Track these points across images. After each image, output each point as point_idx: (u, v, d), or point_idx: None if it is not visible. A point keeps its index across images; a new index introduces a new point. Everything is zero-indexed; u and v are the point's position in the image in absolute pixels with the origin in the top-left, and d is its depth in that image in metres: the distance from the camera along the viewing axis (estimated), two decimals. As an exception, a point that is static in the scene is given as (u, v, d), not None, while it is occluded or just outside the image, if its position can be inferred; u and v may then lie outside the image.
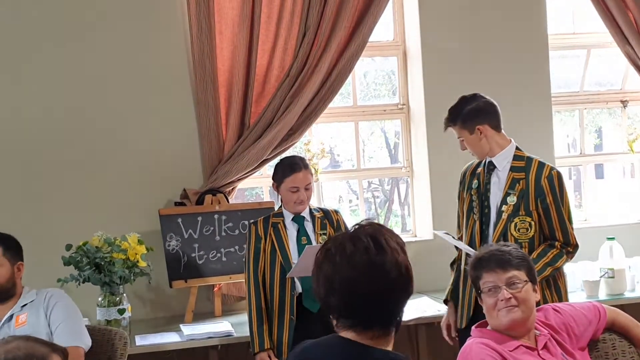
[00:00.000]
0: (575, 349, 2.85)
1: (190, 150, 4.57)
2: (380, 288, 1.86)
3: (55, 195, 4.42)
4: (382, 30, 5.01)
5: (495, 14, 4.91)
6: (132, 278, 3.94)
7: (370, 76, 6.14)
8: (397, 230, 5.74)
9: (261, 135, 4.52)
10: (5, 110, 4.40)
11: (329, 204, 5.12)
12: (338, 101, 4.93)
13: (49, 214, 4.41)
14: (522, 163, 3.52)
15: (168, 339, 3.95)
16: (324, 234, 3.69)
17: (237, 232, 4.44)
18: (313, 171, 3.87)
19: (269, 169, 4.80)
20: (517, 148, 3.57)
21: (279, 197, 3.77)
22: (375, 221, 1.98)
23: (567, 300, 3.51)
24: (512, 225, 3.47)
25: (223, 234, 4.43)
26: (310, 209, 3.74)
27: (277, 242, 3.66)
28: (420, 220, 5.03)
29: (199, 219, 4.39)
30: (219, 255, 4.41)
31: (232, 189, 4.59)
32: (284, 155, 4.48)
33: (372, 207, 6.98)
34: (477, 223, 3.57)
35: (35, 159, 4.41)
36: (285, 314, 3.61)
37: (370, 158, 6.67)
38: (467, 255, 3.53)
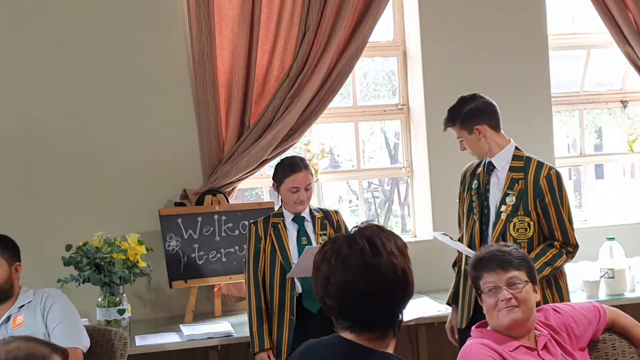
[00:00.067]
0: (575, 349, 2.85)
1: (190, 151, 4.57)
2: (376, 290, 1.86)
3: (55, 195, 4.42)
4: (382, 30, 5.01)
5: (495, 14, 4.91)
6: (132, 278, 3.94)
7: (370, 76, 6.14)
8: (397, 231, 5.77)
9: (261, 135, 4.52)
10: (6, 111, 4.40)
11: (329, 205, 5.12)
12: (338, 101, 4.93)
13: (49, 214, 4.41)
14: (521, 163, 3.52)
15: (168, 339, 3.95)
16: (324, 234, 3.69)
17: (237, 232, 4.44)
18: (313, 171, 3.87)
19: (269, 169, 4.80)
20: (516, 148, 3.56)
21: (279, 197, 3.77)
22: (375, 223, 1.98)
23: (568, 300, 3.50)
24: (511, 225, 3.47)
25: (223, 234, 4.43)
26: (310, 210, 3.74)
27: (277, 243, 3.66)
28: (420, 221, 5.03)
29: (199, 219, 4.39)
30: (218, 255, 4.41)
31: (232, 189, 4.59)
32: (284, 155, 4.48)
33: (372, 207, 6.98)
34: (477, 223, 3.58)
35: (35, 159, 4.41)
36: (285, 314, 3.61)
37: (370, 158, 6.67)
38: (467, 255, 3.54)
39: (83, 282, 3.88)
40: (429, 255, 4.43)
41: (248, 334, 3.69)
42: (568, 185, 6.38)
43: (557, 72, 5.23)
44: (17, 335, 2.01)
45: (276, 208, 3.99)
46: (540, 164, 3.50)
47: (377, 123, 5.90)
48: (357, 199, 5.68)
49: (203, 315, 4.40)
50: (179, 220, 4.35)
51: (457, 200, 3.76)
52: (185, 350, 3.94)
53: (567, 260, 3.49)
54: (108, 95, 4.48)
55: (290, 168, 3.64)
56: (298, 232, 3.69)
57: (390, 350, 1.91)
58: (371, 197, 7.11)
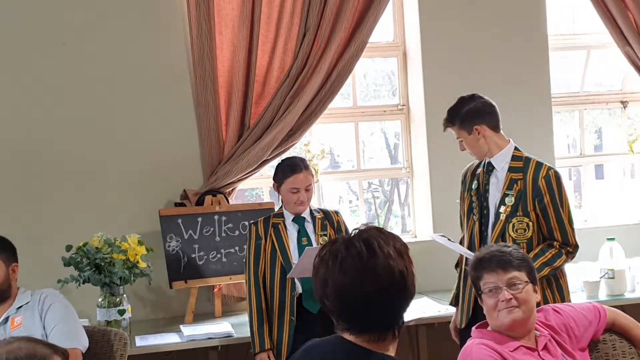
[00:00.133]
0: (576, 349, 2.85)
1: (190, 151, 4.57)
2: (372, 293, 1.86)
3: (55, 195, 4.43)
4: (382, 31, 5.01)
5: (495, 15, 4.91)
6: (132, 279, 3.94)
7: (370, 77, 6.15)
8: (397, 231, 5.78)
9: (261, 135, 4.52)
10: (5, 111, 4.40)
11: (329, 205, 5.12)
12: (338, 102, 4.93)
13: (49, 214, 4.41)
14: (520, 163, 3.52)
15: (168, 339, 3.95)
16: (325, 234, 3.69)
17: (237, 232, 4.44)
18: (313, 172, 3.87)
19: (269, 169, 4.80)
20: (515, 148, 3.56)
21: (280, 197, 3.77)
22: (375, 225, 1.98)
23: (569, 300, 3.50)
24: (510, 226, 3.47)
25: (223, 234, 4.43)
26: (310, 210, 3.74)
27: (277, 243, 3.66)
28: (420, 221, 5.03)
29: (199, 219, 4.39)
30: (219, 255, 4.41)
31: (232, 189, 4.59)
32: (284, 156, 4.48)
33: (372, 207, 6.99)
34: (477, 224, 3.58)
35: (35, 159, 4.41)
36: (286, 315, 3.61)
37: (370, 159, 6.68)
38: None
39: (83, 283, 3.88)
40: (429, 256, 4.43)
41: (248, 335, 3.69)
42: (568, 185, 6.40)
43: (557, 72, 5.24)
44: (18, 336, 2.01)
45: (276, 208, 3.99)
46: (539, 165, 3.49)
47: (377, 123, 5.90)
48: (357, 199, 5.68)
49: (203, 315, 4.40)
50: (179, 221, 4.35)
51: (458, 201, 3.76)
52: (185, 350, 3.94)
53: (566, 261, 3.49)
54: (108, 95, 4.49)
55: (291, 169, 3.65)
56: (298, 232, 3.69)
57: (391, 352, 1.91)
58: (371, 197, 7.11)
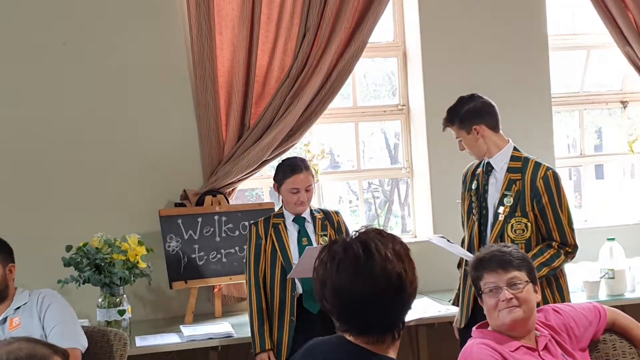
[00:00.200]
0: (576, 349, 2.85)
1: (191, 151, 4.57)
2: (368, 295, 1.86)
3: (55, 196, 4.43)
4: (382, 31, 5.01)
5: (495, 15, 4.91)
6: (132, 279, 3.94)
7: (370, 77, 6.15)
8: (397, 231, 5.78)
9: (261, 136, 4.52)
10: (6, 111, 4.40)
11: (329, 205, 5.12)
12: (338, 102, 4.93)
13: (49, 215, 4.41)
14: (518, 164, 3.51)
15: (168, 340, 3.95)
16: (325, 235, 3.70)
17: (237, 233, 4.44)
18: (314, 172, 3.87)
19: (269, 169, 4.80)
20: (514, 149, 3.56)
21: (280, 197, 3.77)
22: (376, 227, 1.97)
23: (568, 300, 3.50)
24: (509, 226, 3.47)
25: (223, 234, 4.43)
26: (310, 210, 3.74)
27: (277, 243, 3.66)
28: (420, 221, 5.03)
29: (199, 219, 4.39)
30: (219, 256, 4.41)
31: (232, 189, 4.59)
32: (284, 156, 4.49)
33: (372, 207, 6.99)
34: (476, 224, 3.58)
35: (35, 160, 4.41)
36: (286, 315, 3.61)
37: (370, 159, 6.68)
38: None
39: (83, 283, 3.88)
40: (429, 256, 4.42)
41: (248, 335, 3.69)
42: (568, 185, 6.40)
43: (557, 72, 5.24)
44: (18, 336, 2.01)
45: (276, 208, 3.99)
46: (537, 165, 3.49)
47: (377, 123, 5.90)
48: (357, 199, 5.68)
49: (203, 315, 4.40)
50: (179, 221, 4.35)
51: (459, 201, 3.77)
52: (185, 350, 3.94)
53: (565, 261, 3.48)
54: (108, 95, 4.48)
55: (291, 169, 3.65)
56: (299, 232, 3.69)
57: (391, 354, 1.91)
58: (371, 197, 7.11)
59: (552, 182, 3.45)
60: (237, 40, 4.52)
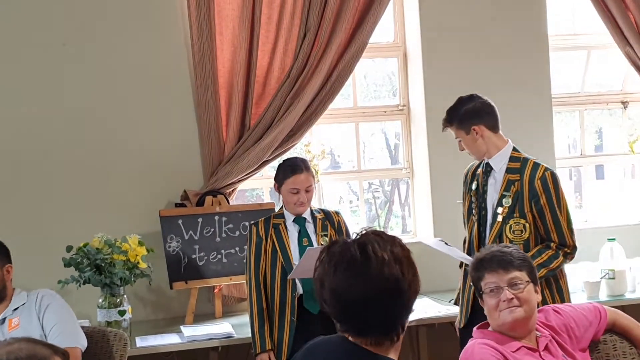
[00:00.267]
0: (576, 350, 2.85)
1: (191, 152, 4.57)
2: (364, 297, 1.85)
3: (55, 196, 4.42)
4: (383, 31, 5.01)
5: (496, 15, 4.91)
6: (132, 279, 3.94)
7: (371, 77, 6.14)
8: (397, 231, 5.78)
9: (262, 136, 4.52)
10: (6, 111, 4.40)
11: (330, 205, 5.12)
12: (338, 102, 4.92)
13: (49, 215, 4.41)
14: (517, 164, 3.51)
15: (168, 340, 3.95)
16: (325, 235, 3.70)
17: (237, 233, 4.44)
18: (314, 173, 3.87)
19: (269, 170, 4.80)
20: (514, 149, 3.56)
21: (280, 197, 3.77)
22: (376, 229, 1.97)
23: (569, 300, 3.50)
24: (507, 227, 3.47)
25: (223, 235, 4.43)
26: (311, 210, 3.74)
27: (278, 243, 3.66)
28: (420, 221, 5.03)
29: (200, 220, 4.39)
30: (219, 256, 4.41)
31: (233, 190, 4.59)
32: (284, 156, 4.49)
33: (373, 208, 6.98)
34: (476, 225, 3.58)
35: (35, 160, 4.41)
36: (286, 315, 3.61)
37: (371, 159, 6.67)
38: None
39: (84, 283, 3.88)
40: (429, 256, 4.41)
41: (248, 335, 3.69)
42: (568, 185, 6.40)
43: (558, 73, 5.23)
44: (18, 337, 2.01)
45: (277, 209, 3.99)
46: (536, 165, 3.48)
47: (378, 124, 5.90)
48: (358, 199, 5.67)
49: (203, 316, 4.40)
50: (180, 221, 4.35)
51: (459, 201, 3.77)
52: (185, 351, 3.94)
53: (564, 262, 3.47)
54: (108, 96, 4.48)
55: (292, 169, 3.65)
56: (299, 233, 3.69)
57: (392, 355, 1.91)
58: (372, 197, 7.10)
59: (551, 183, 3.45)
60: (237, 41, 4.52)
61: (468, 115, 3.53)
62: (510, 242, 3.40)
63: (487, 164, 3.57)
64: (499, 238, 3.46)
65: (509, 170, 3.51)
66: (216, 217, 4.42)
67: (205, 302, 4.52)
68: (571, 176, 6.75)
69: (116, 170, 4.49)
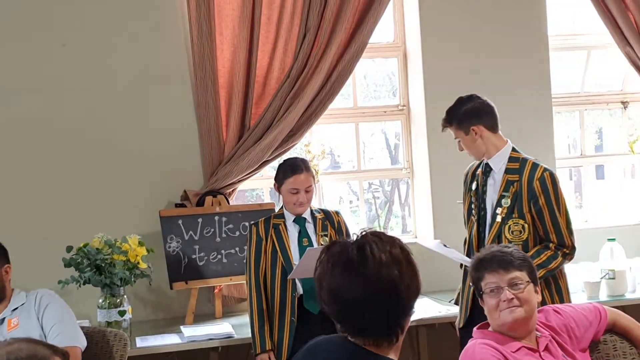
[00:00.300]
0: (576, 350, 2.85)
1: (191, 152, 4.57)
2: (361, 299, 1.85)
3: (55, 196, 4.42)
4: (383, 31, 5.01)
5: (496, 15, 4.91)
6: (132, 279, 3.94)
7: (371, 77, 6.14)
8: (397, 231, 5.78)
9: (261, 136, 4.52)
10: (6, 111, 4.39)
11: (330, 205, 5.12)
12: (338, 102, 4.93)
13: (49, 215, 4.41)
14: (516, 165, 3.51)
15: (168, 340, 3.95)
16: (325, 235, 3.70)
17: (237, 233, 4.44)
18: (314, 173, 3.87)
19: (269, 170, 4.80)
20: (513, 149, 3.55)
21: (280, 197, 3.77)
22: (376, 230, 1.97)
23: (569, 300, 3.50)
24: (506, 227, 3.47)
25: (223, 235, 4.43)
26: (311, 210, 3.74)
27: (278, 244, 3.66)
28: (420, 221, 5.03)
29: (200, 220, 4.39)
30: (219, 256, 4.41)
31: (233, 190, 4.59)
32: (284, 156, 4.49)
33: (373, 208, 6.98)
34: (475, 225, 3.58)
35: (35, 160, 4.41)
36: (286, 316, 3.61)
37: (371, 159, 6.68)
38: (467, 256, 3.54)
39: (84, 284, 3.88)
40: (429, 256, 4.42)
41: (248, 335, 3.69)
42: (568, 185, 6.40)
43: (558, 73, 5.23)
44: (18, 337, 2.01)
45: (277, 209, 3.99)
46: (534, 166, 3.48)
47: (378, 124, 5.90)
48: (358, 199, 5.67)
49: (203, 316, 4.39)
50: (180, 222, 4.35)
51: (460, 201, 3.77)
52: (185, 351, 3.94)
53: (563, 263, 3.47)
54: (108, 96, 4.48)
55: (292, 169, 3.65)
56: (299, 233, 3.69)
57: (392, 355, 1.91)
58: (372, 197, 7.10)
59: (549, 184, 3.44)
60: (237, 41, 4.52)
61: (467, 115, 3.53)
62: (509, 242, 3.39)
63: (487, 164, 3.57)
64: (498, 238, 3.46)
65: (508, 171, 3.51)
66: (216, 217, 4.42)
67: (205, 303, 4.52)
68: (571, 176, 6.76)
69: (116, 170, 4.49)
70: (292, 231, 3.70)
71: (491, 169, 3.55)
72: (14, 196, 4.38)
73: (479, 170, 3.62)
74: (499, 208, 3.48)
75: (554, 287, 3.50)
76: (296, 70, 4.54)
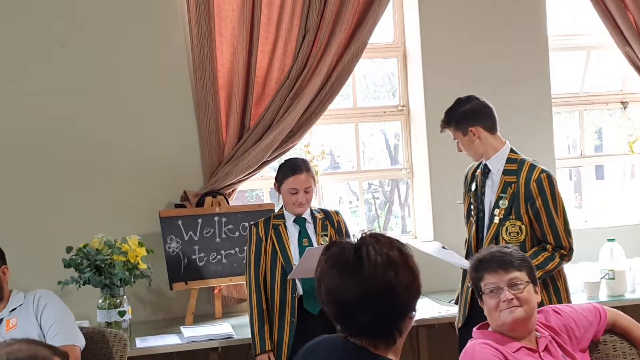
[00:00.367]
0: (576, 350, 2.85)
1: (191, 152, 4.57)
2: (357, 300, 1.86)
3: (55, 197, 4.42)
4: (382, 32, 5.01)
5: (495, 16, 4.91)
6: (132, 280, 3.94)
7: (370, 78, 6.15)
8: (397, 232, 5.78)
9: (261, 137, 4.52)
10: (6, 112, 4.39)
11: (329, 205, 5.12)
12: (338, 103, 4.92)
13: (49, 215, 4.41)
14: (514, 166, 3.51)
15: (168, 341, 3.95)
16: (325, 235, 3.70)
17: (237, 234, 4.44)
18: (314, 173, 3.87)
19: (269, 170, 4.80)
20: (511, 150, 3.55)
21: (280, 197, 3.77)
22: (375, 231, 1.97)
23: (568, 301, 3.50)
24: (504, 229, 3.47)
25: (223, 235, 4.43)
26: (311, 210, 3.74)
27: (278, 244, 3.66)
28: (420, 222, 5.03)
29: (199, 220, 4.39)
30: (219, 257, 4.41)
31: (232, 190, 4.59)
32: (284, 157, 4.49)
33: (372, 208, 6.98)
34: (474, 226, 3.58)
35: (35, 160, 4.41)
36: (286, 316, 3.61)
37: (371, 159, 6.68)
38: (466, 257, 3.54)
39: (83, 284, 3.88)
40: (429, 256, 4.43)
41: (248, 336, 3.69)
42: (568, 186, 6.40)
43: (557, 73, 5.23)
44: (18, 338, 2.01)
45: (277, 209, 3.99)
46: (532, 167, 3.48)
47: (377, 124, 5.90)
48: (358, 200, 5.68)
49: (203, 316, 4.39)
50: (180, 222, 4.35)
51: (460, 202, 3.77)
52: (185, 352, 3.94)
53: (560, 264, 3.47)
54: (108, 96, 4.48)
55: (292, 169, 3.65)
56: (299, 233, 3.69)
57: (391, 356, 1.91)
58: (371, 198, 7.11)
59: (546, 185, 3.44)
60: (237, 42, 4.52)
61: (465, 116, 3.53)
62: (507, 243, 3.39)
63: (485, 165, 3.57)
64: (496, 240, 3.46)
65: (505, 172, 3.50)
66: (216, 218, 4.42)
67: (205, 303, 4.52)
68: (571, 176, 6.76)
69: (116, 170, 4.49)
70: (292, 231, 3.70)
71: (489, 169, 3.55)
72: (14, 196, 4.38)
73: (478, 171, 3.62)
74: (496, 209, 3.48)
75: (552, 289, 3.50)
76: (296, 70, 4.54)
